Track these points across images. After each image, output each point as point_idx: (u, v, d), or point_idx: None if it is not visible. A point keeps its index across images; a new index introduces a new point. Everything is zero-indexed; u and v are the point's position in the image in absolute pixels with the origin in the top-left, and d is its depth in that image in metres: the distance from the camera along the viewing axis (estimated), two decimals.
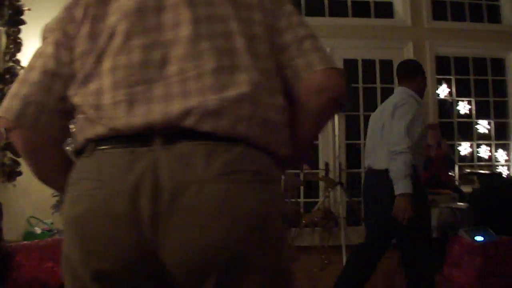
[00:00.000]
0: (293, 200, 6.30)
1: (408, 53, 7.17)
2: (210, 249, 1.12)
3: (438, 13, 7.49)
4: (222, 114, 1.19)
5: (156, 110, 1.20)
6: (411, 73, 3.92)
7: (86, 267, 1.18)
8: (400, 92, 3.86)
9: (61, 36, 1.38)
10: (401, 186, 3.41)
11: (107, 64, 1.29)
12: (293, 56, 1.40)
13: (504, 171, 7.10)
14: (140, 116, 1.20)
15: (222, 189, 1.13)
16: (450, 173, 6.62)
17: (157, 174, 1.13)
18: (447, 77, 7.54)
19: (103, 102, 1.25)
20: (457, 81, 7.56)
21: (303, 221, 6.03)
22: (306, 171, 6.42)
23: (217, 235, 1.12)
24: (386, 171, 3.53)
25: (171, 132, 1.17)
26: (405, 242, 3.75)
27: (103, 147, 1.23)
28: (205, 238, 1.12)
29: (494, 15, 7.78)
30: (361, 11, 7.44)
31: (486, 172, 6.56)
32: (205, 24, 1.29)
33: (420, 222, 3.59)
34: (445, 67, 7.50)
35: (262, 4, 1.39)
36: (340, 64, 6.90)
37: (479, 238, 4.83)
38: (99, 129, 1.24)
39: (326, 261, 5.60)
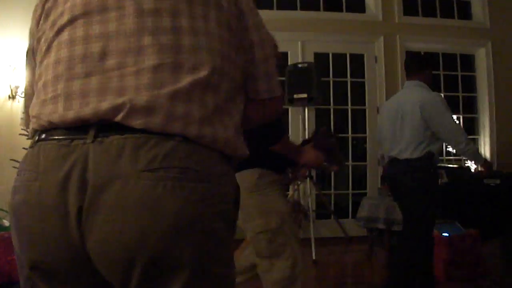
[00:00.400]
0: None
1: (379, 47, 7.20)
2: (128, 248, 1.10)
3: (409, 9, 7.53)
4: (153, 111, 1.16)
5: (89, 104, 1.18)
6: (422, 66, 3.99)
7: (24, 256, 1.20)
8: (418, 86, 3.94)
9: (32, 41, 1.43)
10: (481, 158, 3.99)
11: (52, 58, 1.29)
12: (258, 75, 1.45)
13: (472, 165, 7.15)
14: (73, 111, 1.19)
15: (146, 186, 1.10)
16: None
17: (85, 167, 1.12)
18: None
19: (46, 96, 1.26)
20: None
21: None
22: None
23: (136, 234, 1.10)
24: (409, 161, 3.77)
25: (105, 125, 1.16)
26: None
27: (43, 139, 1.23)
28: (124, 236, 1.10)
29: (465, 11, 7.85)
30: (333, 5, 7.43)
31: (454, 166, 6.62)
32: (150, 18, 1.26)
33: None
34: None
35: (220, 2, 1.36)
36: (310, 58, 6.90)
37: (446, 231, 4.87)
38: (41, 121, 1.24)
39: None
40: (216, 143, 1.22)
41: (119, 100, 1.16)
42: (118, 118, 1.15)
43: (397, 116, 3.92)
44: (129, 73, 1.20)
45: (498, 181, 5.49)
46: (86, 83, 1.21)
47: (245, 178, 2.83)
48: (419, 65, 3.97)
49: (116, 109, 1.15)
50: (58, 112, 1.20)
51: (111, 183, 1.10)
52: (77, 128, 1.17)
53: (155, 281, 1.13)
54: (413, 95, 3.89)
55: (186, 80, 1.21)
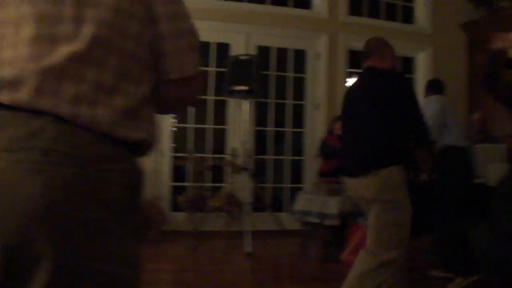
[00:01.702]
0: (197, 184, 6.19)
1: (322, 44, 7.24)
2: None
3: (355, 9, 7.60)
4: (20, 85, 1.07)
5: None
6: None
7: None
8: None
9: None
10: None
11: None
12: (166, 51, 1.31)
13: None
14: None
15: (1, 169, 1.01)
16: None
17: None
18: (358, 70, 7.61)
19: None
20: None
21: (209, 206, 5.94)
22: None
23: None
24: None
25: None
26: None
27: None
28: None
29: (408, 15, 7.99)
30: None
31: None
32: None
33: None
34: (357, 61, 7.59)
35: None
36: (253, 51, 6.86)
37: None
38: None
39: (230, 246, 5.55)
40: (98, 124, 1.11)
41: None
42: None
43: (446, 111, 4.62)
44: (7, 45, 1.12)
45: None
46: None
47: (394, 173, 3.18)
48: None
49: None
50: None
51: None
52: None
53: (14, 276, 1.01)
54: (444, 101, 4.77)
55: (61, 52, 1.11)
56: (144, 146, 1.26)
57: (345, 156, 3.67)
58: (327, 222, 5.24)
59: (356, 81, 3.76)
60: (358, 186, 3.35)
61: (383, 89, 3.33)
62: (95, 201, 1.07)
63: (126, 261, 1.14)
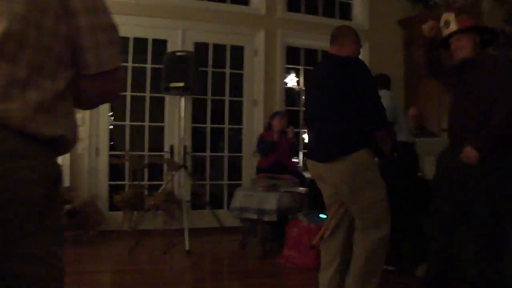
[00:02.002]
0: (136, 182, 6.09)
1: (260, 41, 7.25)
2: None
3: (292, 5, 7.63)
4: None
5: None
6: None
7: None
8: None
9: None
10: None
11: None
12: (85, 45, 1.28)
13: None
14: None
15: None
16: (294, 159, 6.75)
17: None
18: (296, 67, 7.70)
19: None
20: (305, 71, 7.73)
21: (146, 204, 5.85)
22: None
23: None
24: None
25: None
26: None
27: None
28: None
29: (346, 12, 8.09)
30: None
31: None
32: None
33: None
34: (294, 57, 7.65)
35: None
36: (191, 47, 6.80)
37: (316, 221, 4.94)
38: None
39: (169, 244, 5.48)
40: (10, 119, 1.08)
41: None
42: None
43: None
44: None
45: None
46: None
47: (364, 156, 3.36)
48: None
49: None
50: None
51: None
52: None
53: None
54: None
55: None
56: (63, 143, 1.22)
57: (312, 142, 3.83)
58: (265, 218, 5.26)
59: (316, 68, 4.01)
60: (327, 170, 3.47)
61: (343, 75, 3.46)
62: (7, 200, 1.04)
63: (44, 261, 1.11)
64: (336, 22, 7.82)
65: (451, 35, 3.61)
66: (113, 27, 1.36)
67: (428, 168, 4.86)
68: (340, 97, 3.42)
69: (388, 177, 3.94)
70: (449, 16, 3.63)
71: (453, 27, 3.59)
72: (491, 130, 3.30)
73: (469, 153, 3.34)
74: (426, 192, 4.07)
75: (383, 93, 4.82)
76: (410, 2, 7.85)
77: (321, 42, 7.63)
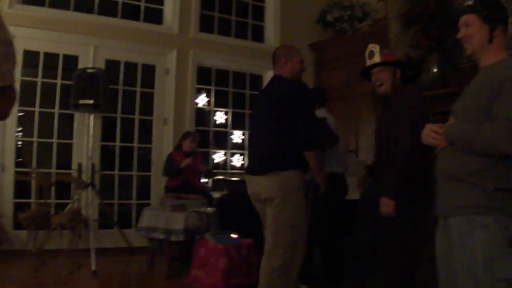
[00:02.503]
0: (42, 200, 5.95)
1: (172, 60, 7.29)
2: None
3: (206, 26, 7.73)
4: None
5: None
6: None
7: None
8: None
9: None
10: None
11: None
12: None
13: None
14: None
15: None
16: (203, 179, 6.80)
17: None
18: (207, 87, 7.78)
19: None
20: (216, 92, 7.86)
21: (53, 223, 5.73)
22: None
23: None
24: None
25: None
26: None
27: None
28: None
29: (259, 35, 8.26)
30: (132, 13, 7.34)
31: (235, 179, 6.86)
32: None
33: None
34: (206, 77, 7.74)
35: None
36: (102, 64, 6.74)
37: (223, 241, 5.02)
38: None
39: (75, 265, 5.39)
40: None
41: None
42: None
43: None
44: None
45: None
46: None
47: (294, 177, 3.52)
48: None
49: None
50: None
51: None
52: None
53: None
54: None
55: None
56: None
57: (250, 157, 4.10)
58: (172, 238, 5.28)
59: (264, 88, 4.26)
60: (257, 184, 3.65)
61: (279, 94, 3.66)
62: None
63: None
64: (249, 43, 8.03)
65: (372, 66, 3.65)
66: (6, 42, 1.34)
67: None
68: (277, 116, 3.59)
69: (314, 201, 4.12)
70: (374, 48, 3.68)
71: (376, 58, 3.63)
72: (395, 178, 3.32)
73: (385, 204, 3.32)
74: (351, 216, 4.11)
75: (323, 112, 4.95)
76: (321, 26, 8.12)
77: (232, 63, 7.79)
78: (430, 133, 2.50)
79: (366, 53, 3.71)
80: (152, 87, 7.26)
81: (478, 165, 2.33)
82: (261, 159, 3.66)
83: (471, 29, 2.51)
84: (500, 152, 2.25)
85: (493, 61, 2.46)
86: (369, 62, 3.70)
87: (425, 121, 2.68)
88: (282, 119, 3.59)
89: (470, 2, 2.54)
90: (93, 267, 5.30)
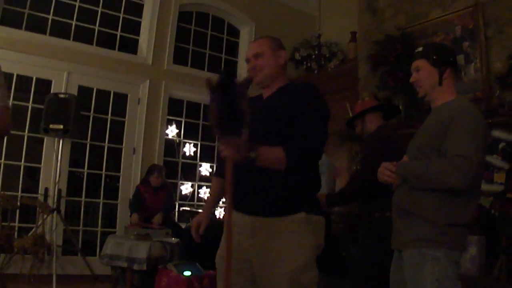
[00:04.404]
0: (5, 223, 5.90)
1: (144, 90, 7.37)
2: None
3: (179, 58, 7.83)
4: None
5: None
6: None
7: None
8: None
9: None
10: None
11: None
12: None
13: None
14: None
15: None
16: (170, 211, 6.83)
17: None
18: (178, 118, 7.85)
19: None
20: (186, 123, 7.94)
21: (15, 247, 5.68)
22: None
23: None
24: None
25: None
26: None
27: None
28: None
29: (232, 69, 8.40)
30: (108, 41, 7.43)
31: (200, 210, 6.88)
32: None
33: None
34: (177, 109, 7.81)
35: None
36: (75, 90, 6.77)
37: (186, 272, 5.04)
38: None
39: None
40: None
41: None
42: None
43: None
44: None
45: None
46: None
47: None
48: None
49: None
50: None
51: None
52: None
53: None
54: None
55: None
56: None
57: None
58: (135, 267, 5.29)
59: None
60: None
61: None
62: None
63: None
64: None
65: (350, 120, 4.07)
66: None
67: None
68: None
69: None
70: (347, 105, 4.18)
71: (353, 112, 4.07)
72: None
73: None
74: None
75: None
76: (293, 64, 8.28)
77: (204, 96, 7.82)
78: (385, 171, 2.64)
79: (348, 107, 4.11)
80: (123, 116, 7.30)
81: (430, 201, 2.46)
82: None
83: (422, 73, 2.70)
84: (448, 188, 2.39)
85: (444, 102, 2.62)
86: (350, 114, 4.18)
87: (381, 160, 2.81)
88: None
89: (420, 49, 2.75)
90: None
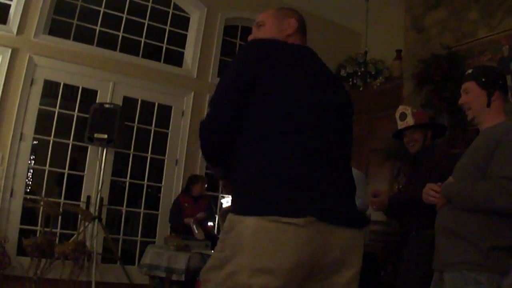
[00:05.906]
0: (48, 229, 5.99)
1: (188, 102, 7.43)
2: None
3: (223, 71, 7.84)
4: None
5: None
6: None
7: None
8: None
9: None
10: None
11: None
12: None
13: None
14: None
15: None
16: (210, 223, 6.82)
17: None
18: None
19: None
20: None
21: (56, 252, 5.75)
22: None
23: None
24: None
25: None
26: None
27: None
28: None
29: None
30: (153, 53, 7.53)
31: None
32: None
33: None
34: None
35: None
36: (120, 100, 6.88)
37: None
38: None
39: None
40: None
41: None
42: None
43: None
44: None
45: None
46: None
47: None
48: None
49: None
50: None
51: None
52: None
53: None
54: None
55: None
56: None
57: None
58: (173, 277, 5.29)
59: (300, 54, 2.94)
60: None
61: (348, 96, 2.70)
62: None
63: None
64: None
65: (407, 128, 3.85)
66: None
67: None
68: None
69: None
70: (405, 109, 3.88)
71: (409, 121, 3.82)
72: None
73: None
74: None
75: None
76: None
77: None
78: (430, 192, 2.60)
79: (397, 114, 3.91)
80: (167, 127, 7.37)
81: (474, 222, 2.41)
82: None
83: (470, 96, 2.66)
84: (493, 210, 2.34)
85: (492, 124, 2.57)
86: (401, 124, 3.90)
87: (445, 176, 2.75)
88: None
89: (470, 71, 2.71)
90: None
